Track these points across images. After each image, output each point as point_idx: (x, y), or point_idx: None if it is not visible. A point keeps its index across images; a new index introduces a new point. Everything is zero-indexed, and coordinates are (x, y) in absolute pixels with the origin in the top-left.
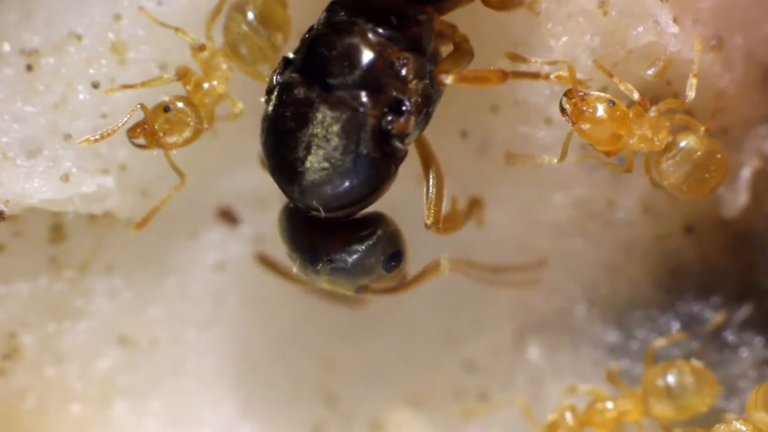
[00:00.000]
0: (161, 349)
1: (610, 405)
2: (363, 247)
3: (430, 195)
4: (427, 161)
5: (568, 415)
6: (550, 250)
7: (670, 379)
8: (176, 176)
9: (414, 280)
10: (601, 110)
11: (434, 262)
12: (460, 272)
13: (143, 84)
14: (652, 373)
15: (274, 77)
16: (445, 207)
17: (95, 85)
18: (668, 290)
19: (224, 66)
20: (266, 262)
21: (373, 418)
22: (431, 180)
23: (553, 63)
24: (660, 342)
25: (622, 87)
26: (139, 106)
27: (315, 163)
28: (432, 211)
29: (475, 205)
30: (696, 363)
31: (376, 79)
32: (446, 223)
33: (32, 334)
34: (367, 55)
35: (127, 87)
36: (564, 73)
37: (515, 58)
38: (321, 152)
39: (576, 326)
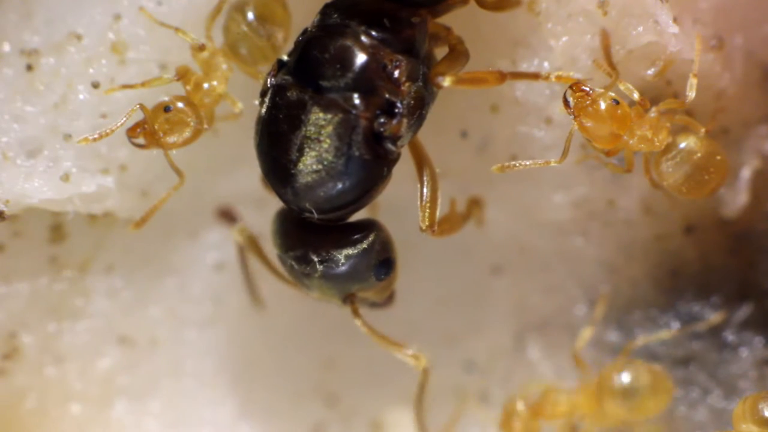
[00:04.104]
0: (161, 349)
1: (562, 398)
2: (355, 252)
3: (424, 198)
4: (421, 163)
5: (521, 405)
6: (550, 250)
7: (625, 378)
8: (176, 176)
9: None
10: (603, 108)
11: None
12: None
13: (143, 84)
14: (608, 370)
15: (268, 79)
16: (444, 209)
17: (95, 85)
18: (668, 290)
19: (224, 66)
20: (249, 239)
21: (373, 418)
22: (425, 182)
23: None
24: (640, 341)
25: (622, 87)
26: (138, 106)
27: (307, 165)
28: (426, 214)
29: (474, 205)
30: (654, 366)
31: (368, 81)
32: (443, 225)
33: (32, 334)
34: (359, 58)
35: (127, 87)
36: (564, 73)
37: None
38: (313, 154)
39: (576, 326)
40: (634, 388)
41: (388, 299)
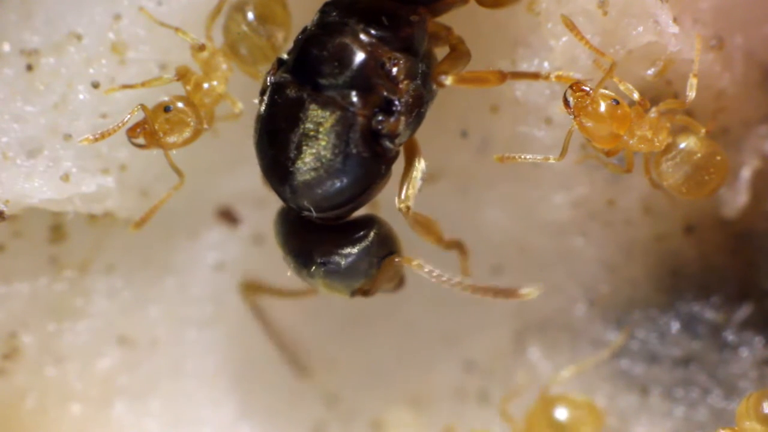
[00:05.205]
0: (161, 349)
1: None
2: (356, 250)
3: (409, 177)
4: (412, 157)
5: None
6: (550, 250)
7: (557, 414)
8: (176, 176)
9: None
10: (603, 108)
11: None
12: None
13: (143, 84)
14: (535, 410)
15: (267, 78)
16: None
17: (95, 85)
18: (668, 290)
19: (224, 66)
20: (252, 288)
21: (373, 418)
22: (414, 167)
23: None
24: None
25: (622, 87)
26: (139, 106)
27: (306, 162)
28: (407, 192)
29: (455, 245)
30: (583, 397)
31: (366, 79)
32: (419, 217)
33: (32, 334)
34: (357, 55)
35: (127, 87)
36: (564, 73)
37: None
38: (312, 152)
39: (576, 326)
40: (562, 423)
41: (398, 284)
